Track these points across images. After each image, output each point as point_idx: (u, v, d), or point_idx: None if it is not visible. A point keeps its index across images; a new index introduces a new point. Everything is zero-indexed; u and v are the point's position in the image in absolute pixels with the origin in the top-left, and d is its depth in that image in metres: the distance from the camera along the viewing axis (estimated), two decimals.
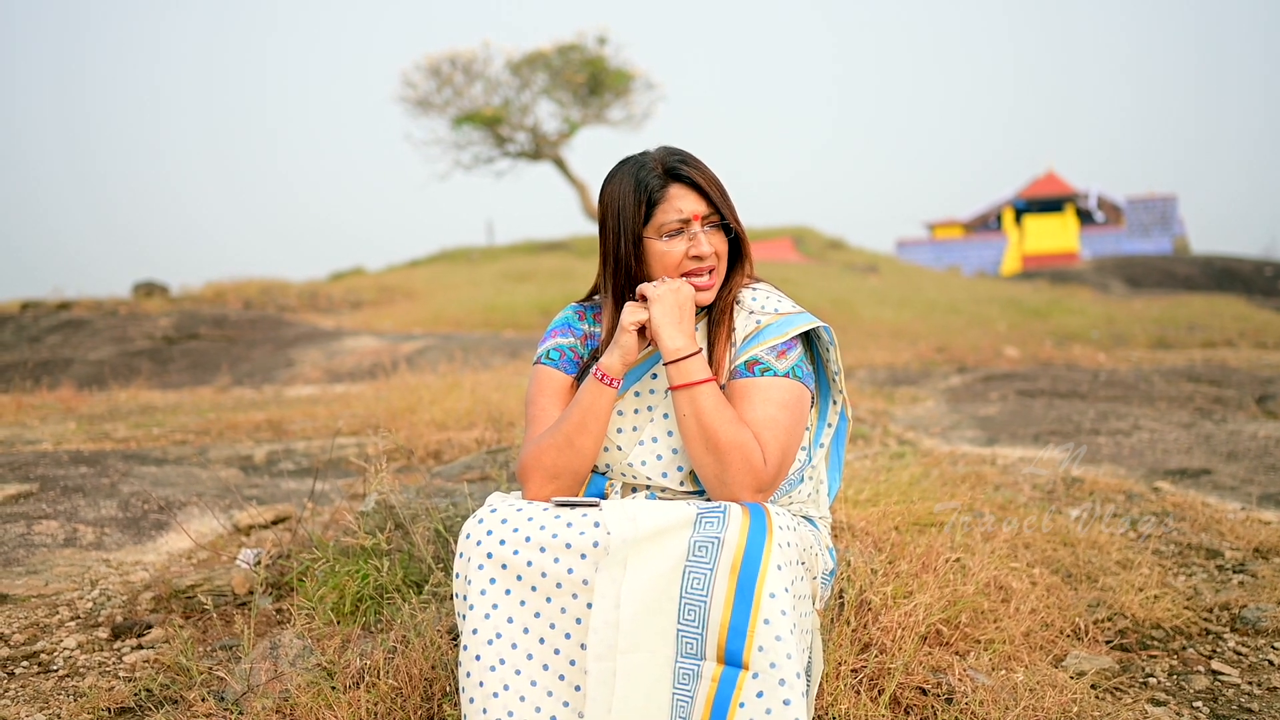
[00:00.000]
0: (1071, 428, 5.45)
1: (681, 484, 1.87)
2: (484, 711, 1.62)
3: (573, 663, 1.64)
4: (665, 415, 1.90)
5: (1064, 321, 14.16)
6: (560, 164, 27.58)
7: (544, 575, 1.65)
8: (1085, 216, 37.45)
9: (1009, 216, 37.38)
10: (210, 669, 2.26)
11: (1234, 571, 2.91)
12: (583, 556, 1.64)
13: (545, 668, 1.64)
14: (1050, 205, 37.06)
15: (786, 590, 1.56)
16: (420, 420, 4.98)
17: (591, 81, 26.15)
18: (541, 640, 1.65)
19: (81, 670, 2.37)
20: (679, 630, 1.57)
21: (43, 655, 2.45)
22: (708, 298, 1.91)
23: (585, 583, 1.63)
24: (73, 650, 2.47)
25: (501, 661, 1.64)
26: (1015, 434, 5.38)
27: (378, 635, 2.28)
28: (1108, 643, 2.42)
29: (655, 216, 1.87)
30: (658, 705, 1.57)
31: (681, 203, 1.87)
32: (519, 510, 1.73)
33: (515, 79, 26.53)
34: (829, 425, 2.12)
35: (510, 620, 1.65)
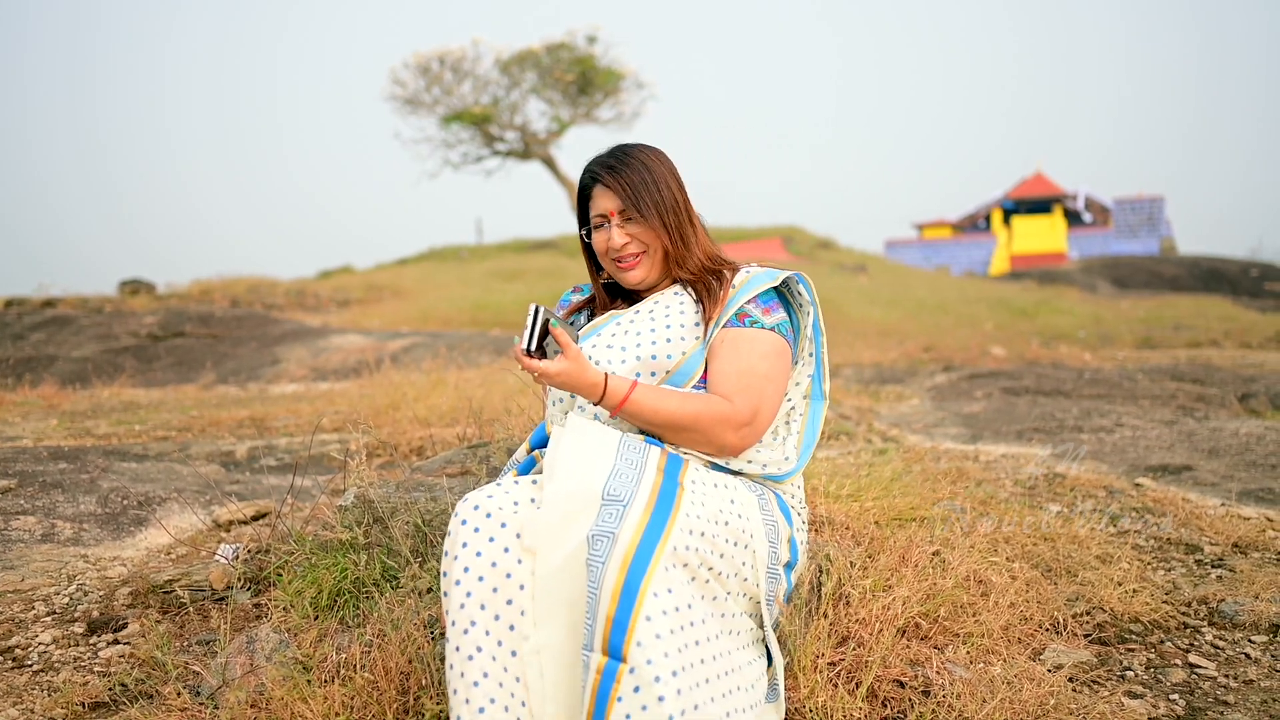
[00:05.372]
0: (1055, 425, 5.47)
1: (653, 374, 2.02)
2: (466, 702, 1.62)
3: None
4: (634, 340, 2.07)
5: (1051, 321, 14.22)
6: (550, 163, 27.55)
7: (520, 562, 1.69)
8: (1073, 217, 37.61)
9: (997, 217, 37.53)
10: (186, 664, 2.25)
11: (1212, 566, 2.92)
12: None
13: (514, 654, 1.65)
14: (1038, 206, 37.21)
15: (671, 591, 1.60)
16: (403, 417, 4.97)
17: (581, 80, 26.12)
18: (512, 627, 1.66)
19: (56, 665, 2.35)
20: (586, 621, 1.59)
21: (17, 650, 2.43)
22: (633, 276, 2.12)
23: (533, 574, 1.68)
24: (48, 645, 2.45)
25: (479, 649, 1.65)
26: (999, 431, 5.40)
27: (355, 629, 2.26)
28: (1086, 636, 2.43)
29: (589, 214, 2.15)
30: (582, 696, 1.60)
31: (598, 202, 2.12)
32: (490, 497, 1.75)
33: (504, 78, 26.49)
34: (801, 396, 2.18)
35: (483, 607, 1.67)
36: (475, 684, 1.63)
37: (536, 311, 1.85)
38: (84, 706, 2.12)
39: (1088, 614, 2.53)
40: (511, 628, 1.66)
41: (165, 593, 2.69)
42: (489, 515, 1.72)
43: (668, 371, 2.00)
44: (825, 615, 2.16)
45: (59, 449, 4.49)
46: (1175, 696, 2.14)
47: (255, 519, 3.38)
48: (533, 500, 1.75)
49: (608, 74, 26.26)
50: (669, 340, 2.03)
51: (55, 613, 2.66)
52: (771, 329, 2.01)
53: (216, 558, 2.87)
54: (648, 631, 1.54)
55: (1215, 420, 5.53)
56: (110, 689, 2.17)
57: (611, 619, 1.55)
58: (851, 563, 2.39)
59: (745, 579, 1.81)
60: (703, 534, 1.70)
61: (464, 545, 1.70)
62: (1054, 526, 3.06)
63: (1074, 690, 2.10)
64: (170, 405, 6.86)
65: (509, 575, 1.68)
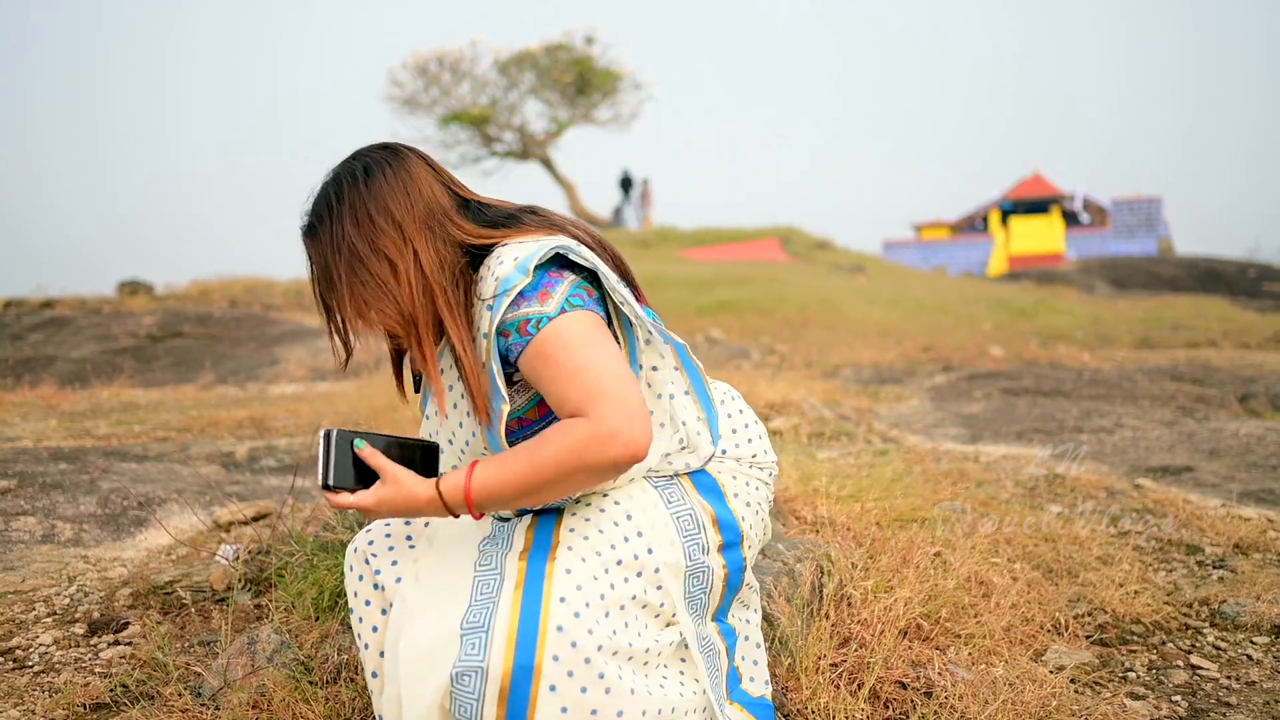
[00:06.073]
0: (1055, 425, 5.47)
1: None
2: None
3: None
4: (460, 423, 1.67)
5: (1049, 321, 14.21)
6: (548, 164, 27.58)
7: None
8: (1071, 218, 37.62)
9: (995, 218, 37.53)
10: (187, 664, 2.24)
11: (1214, 567, 2.92)
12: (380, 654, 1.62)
13: None
14: (1036, 206, 37.22)
15: (566, 710, 1.42)
16: (403, 417, 4.96)
17: (579, 81, 26.19)
18: None
19: (57, 666, 2.35)
20: None
21: (18, 651, 2.43)
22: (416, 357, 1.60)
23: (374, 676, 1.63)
24: (49, 646, 2.45)
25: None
26: (999, 432, 5.40)
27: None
28: (1088, 638, 2.43)
29: None
30: None
31: None
32: (383, 538, 1.66)
33: (503, 78, 26.55)
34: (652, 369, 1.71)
35: (375, 675, 1.63)
36: None
37: (328, 437, 1.48)
38: (85, 707, 2.12)
39: (1089, 615, 2.53)
40: None
41: (166, 593, 2.68)
42: (363, 575, 1.63)
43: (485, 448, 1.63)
44: (827, 616, 2.16)
45: (59, 449, 4.49)
46: (1177, 698, 2.14)
47: (256, 519, 3.37)
48: (413, 545, 1.63)
49: (606, 74, 26.32)
50: (470, 415, 1.63)
51: (56, 613, 2.65)
52: (561, 310, 1.50)
53: (217, 558, 2.87)
54: None
55: (1215, 421, 5.53)
56: (111, 690, 2.17)
57: None
58: (853, 564, 2.39)
59: (662, 604, 1.58)
60: (587, 605, 1.46)
61: (351, 600, 1.66)
62: (1055, 527, 3.06)
63: (1076, 691, 2.10)
64: (169, 405, 6.86)
65: (383, 654, 1.60)
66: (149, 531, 3.39)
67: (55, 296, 13.47)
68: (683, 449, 1.72)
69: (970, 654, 2.18)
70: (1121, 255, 29.69)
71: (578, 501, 1.62)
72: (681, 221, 31.39)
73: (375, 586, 1.61)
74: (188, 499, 3.71)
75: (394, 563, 1.61)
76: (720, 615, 1.74)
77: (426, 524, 1.66)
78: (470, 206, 1.63)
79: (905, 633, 2.21)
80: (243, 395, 7.71)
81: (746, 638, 1.79)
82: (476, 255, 1.59)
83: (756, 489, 1.79)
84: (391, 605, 1.57)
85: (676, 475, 1.72)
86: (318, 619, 2.35)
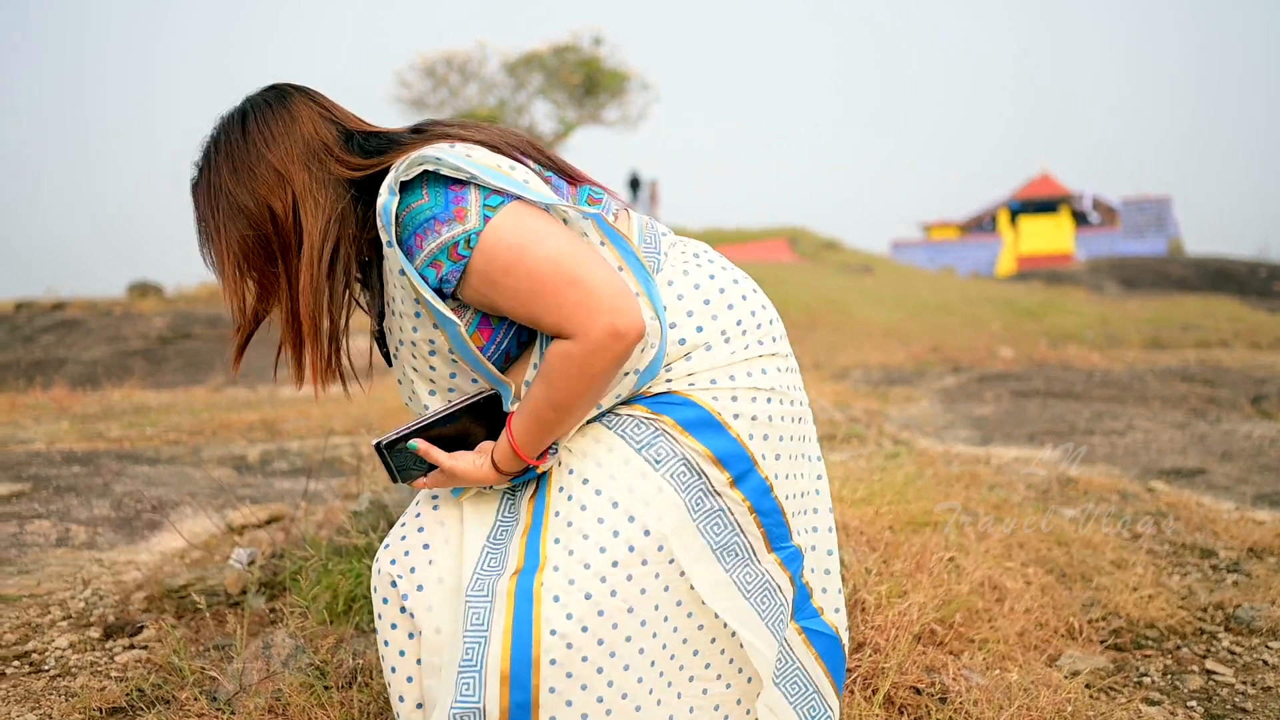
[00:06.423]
0: (1066, 428, 5.46)
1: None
2: None
3: None
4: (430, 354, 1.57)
5: (1058, 322, 14.18)
6: None
7: (419, 663, 1.58)
8: (1080, 218, 37.55)
9: (1004, 218, 37.47)
10: (202, 669, 2.25)
11: (1228, 571, 2.91)
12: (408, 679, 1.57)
13: None
14: (1045, 206, 37.15)
15: None
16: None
17: (587, 82, 26.20)
18: None
19: (73, 670, 2.36)
20: None
21: (34, 655, 2.44)
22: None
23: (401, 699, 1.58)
24: (64, 650, 2.46)
25: None
26: (1010, 434, 5.39)
27: (371, 634, 2.27)
28: (1102, 642, 2.42)
29: None
30: None
31: None
32: (403, 559, 1.57)
33: (511, 79, 26.58)
34: None
35: (401, 700, 1.58)
36: None
37: (380, 449, 1.52)
38: (101, 712, 2.13)
39: (1103, 619, 2.53)
40: None
41: (180, 597, 2.69)
42: (388, 599, 1.55)
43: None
44: None
45: (72, 452, 4.51)
46: (1193, 703, 2.14)
47: (269, 523, 3.38)
48: (432, 559, 1.56)
49: (613, 75, 26.33)
50: (441, 355, 1.55)
51: (71, 617, 2.66)
52: (484, 218, 1.38)
53: (231, 562, 2.87)
54: None
55: (1227, 423, 5.51)
56: (127, 694, 2.17)
57: None
58: (867, 569, 2.39)
59: (682, 573, 1.48)
60: (584, 629, 1.40)
61: (377, 622, 1.57)
62: (1068, 531, 3.06)
63: (1091, 697, 2.09)
64: (180, 408, 6.88)
65: (410, 679, 1.54)
66: (162, 535, 3.40)
67: (66, 299, 13.54)
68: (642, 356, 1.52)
69: (984, 659, 2.18)
70: (1131, 255, 29.59)
71: (561, 489, 1.51)
72: (689, 222, 31.41)
73: (402, 610, 1.55)
74: (200, 502, 3.73)
75: (420, 588, 1.54)
76: (781, 541, 1.58)
77: (442, 523, 1.61)
78: (354, 139, 1.51)
79: (919, 638, 2.20)
80: (254, 397, 7.73)
81: (814, 547, 1.66)
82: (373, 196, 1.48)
83: (763, 373, 1.58)
84: (421, 633, 1.52)
85: (656, 415, 1.53)
86: (332, 623, 2.35)
